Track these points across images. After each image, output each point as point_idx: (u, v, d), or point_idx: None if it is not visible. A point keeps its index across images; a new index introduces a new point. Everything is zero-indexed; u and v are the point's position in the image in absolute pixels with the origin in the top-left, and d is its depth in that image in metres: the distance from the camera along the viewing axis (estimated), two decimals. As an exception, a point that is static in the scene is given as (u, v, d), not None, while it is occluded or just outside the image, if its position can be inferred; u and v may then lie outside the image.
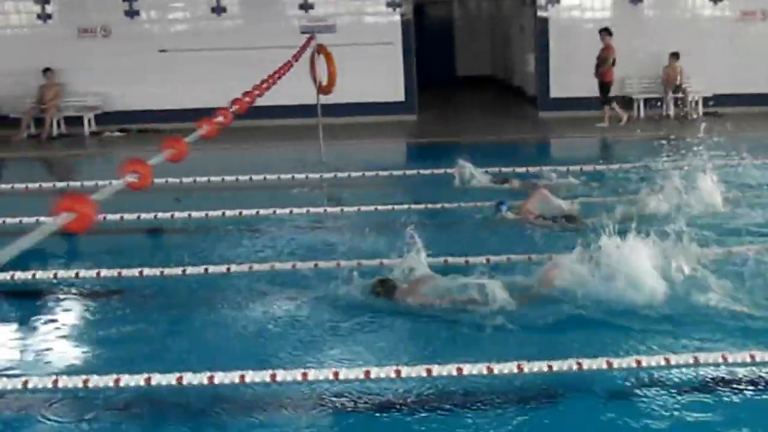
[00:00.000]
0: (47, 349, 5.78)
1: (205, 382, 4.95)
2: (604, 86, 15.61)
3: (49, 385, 5.02)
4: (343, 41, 14.90)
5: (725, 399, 4.86)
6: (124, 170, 4.05)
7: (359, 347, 5.57)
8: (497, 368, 5.09)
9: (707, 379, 5.07)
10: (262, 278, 6.89)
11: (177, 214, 9.19)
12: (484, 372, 5.07)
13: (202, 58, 16.65)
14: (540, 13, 16.98)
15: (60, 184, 11.56)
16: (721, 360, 5.20)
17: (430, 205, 9.29)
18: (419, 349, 5.52)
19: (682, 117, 16.17)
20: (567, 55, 16.47)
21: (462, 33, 24.36)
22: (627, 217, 8.13)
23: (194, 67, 16.64)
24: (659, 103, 16.48)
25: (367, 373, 5.04)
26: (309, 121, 14.31)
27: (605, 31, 15.56)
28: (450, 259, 7.16)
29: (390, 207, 9.31)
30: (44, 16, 17.09)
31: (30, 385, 5.03)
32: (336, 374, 5.02)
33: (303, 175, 11.21)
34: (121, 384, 4.94)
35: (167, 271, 7.10)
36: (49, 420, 4.70)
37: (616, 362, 5.17)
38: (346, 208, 9.31)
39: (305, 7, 17.02)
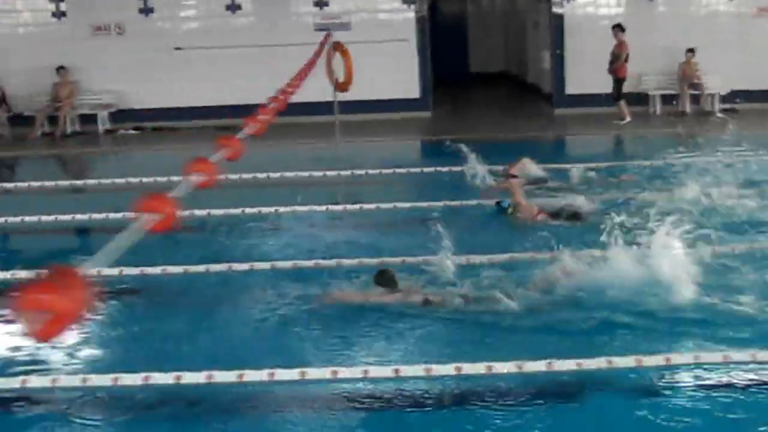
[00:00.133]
0: (78, 348, 5.78)
1: (234, 379, 4.93)
2: (619, 82, 15.54)
3: (78, 384, 5.02)
4: (358, 38, 14.91)
5: (756, 398, 4.83)
6: (190, 169, 4.00)
7: (389, 345, 5.55)
8: (527, 366, 5.06)
9: (737, 378, 5.03)
10: (286, 276, 6.87)
11: (197, 212, 9.16)
12: (514, 370, 5.05)
13: (217, 55, 16.64)
14: (555, 10, 16.90)
15: (77, 182, 11.59)
16: (749, 358, 5.16)
17: (449, 203, 9.25)
18: (448, 347, 5.48)
19: (698, 113, 16.08)
20: (582, 52, 16.38)
21: (475, 29, 24.29)
22: (648, 214, 8.13)
23: (209, 64, 16.64)
24: (674, 101, 16.39)
25: (397, 371, 5.01)
26: (323, 118, 14.30)
27: (618, 27, 15.49)
28: (472, 258, 7.12)
29: (409, 204, 9.29)
30: (58, 14, 17.09)
31: (59, 384, 5.03)
32: (365, 372, 5.00)
33: (320, 173, 11.19)
34: (150, 381, 4.94)
35: (191, 268, 7.10)
36: (80, 419, 4.69)
37: (646, 360, 5.15)
38: (365, 206, 9.27)
39: (320, 4, 16.97)
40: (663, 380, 5.03)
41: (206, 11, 17.19)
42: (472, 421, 4.66)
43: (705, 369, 5.12)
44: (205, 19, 17.22)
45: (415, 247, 7.33)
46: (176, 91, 16.72)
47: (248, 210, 9.15)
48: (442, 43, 20.93)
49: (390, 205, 9.24)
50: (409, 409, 4.82)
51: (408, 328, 5.76)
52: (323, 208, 9.24)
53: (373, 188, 10.58)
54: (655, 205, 8.35)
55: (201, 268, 7.11)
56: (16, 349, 5.63)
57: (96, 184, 11.27)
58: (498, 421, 4.63)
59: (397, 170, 11.30)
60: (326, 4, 16.98)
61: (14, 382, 5.10)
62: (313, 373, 5.02)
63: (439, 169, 11.22)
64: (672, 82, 16.49)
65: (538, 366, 5.06)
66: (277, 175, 11.05)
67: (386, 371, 5.04)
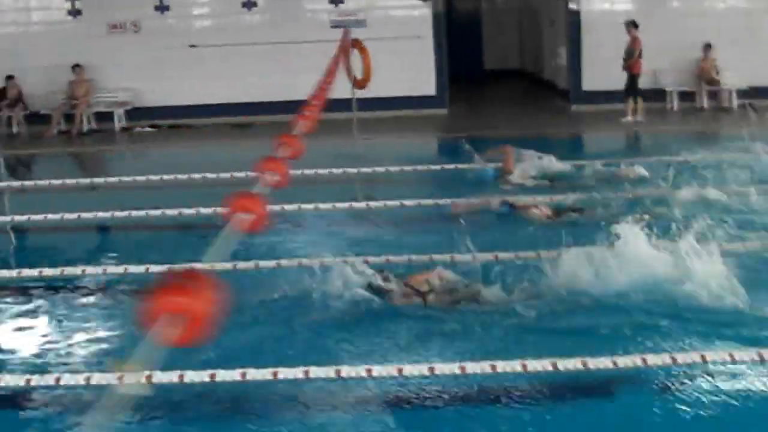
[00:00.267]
0: (106, 345, 5.78)
1: (269, 377, 4.91)
2: (634, 79, 15.45)
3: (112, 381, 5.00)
4: (374, 35, 14.85)
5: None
6: (263, 168, 3.96)
7: (420, 342, 5.52)
8: (561, 364, 5.03)
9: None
10: (312, 273, 6.83)
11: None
12: (549, 368, 5.02)
13: (232, 53, 16.65)
14: (571, 6, 16.83)
15: (98, 180, 11.61)
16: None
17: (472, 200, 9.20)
18: (482, 346, 5.45)
19: (716, 110, 16.00)
20: (599, 48, 16.30)
21: (489, 26, 24.20)
22: (668, 212, 8.11)
23: (224, 62, 16.64)
24: (694, 98, 16.30)
25: (432, 369, 4.99)
26: (341, 115, 14.25)
27: (631, 24, 15.40)
28: (500, 255, 7.09)
29: (432, 201, 9.26)
30: (74, 12, 17.12)
31: (92, 382, 5.02)
32: (400, 370, 4.98)
33: (340, 170, 11.16)
34: (185, 380, 4.93)
35: (218, 266, 7.06)
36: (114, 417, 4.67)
37: (680, 357, 5.12)
38: (388, 203, 9.23)
39: (335, 1, 16.95)
40: (697, 378, 5.00)
41: (222, 8, 17.18)
42: (508, 419, 4.65)
43: (738, 366, 5.08)
44: (221, 17, 17.21)
45: (441, 244, 7.33)
46: (192, 88, 16.72)
47: (270, 207, 9.10)
48: (457, 40, 20.86)
49: (414, 202, 9.21)
50: (443, 407, 4.80)
51: (438, 326, 5.74)
52: (346, 205, 9.21)
53: (394, 186, 10.53)
54: (682, 202, 8.40)
55: (228, 265, 7.08)
56: (51, 348, 5.65)
57: (116, 182, 11.27)
58: (531, 418, 4.63)
59: (418, 167, 11.27)
60: (341, 1, 16.96)
61: (49, 379, 5.08)
62: (348, 371, 4.99)
63: (459, 166, 11.19)
64: (690, 79, 16.39)
65: (573, 363, 5.03)
66: (298, 172, 10.99)
67: (422, 369, 5.01)
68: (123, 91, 16.98)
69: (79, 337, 5.96)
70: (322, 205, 9.12)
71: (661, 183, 9.51)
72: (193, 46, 16.76)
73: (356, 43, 12.62)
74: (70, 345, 5.82)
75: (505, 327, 5.71)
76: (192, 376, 4.90)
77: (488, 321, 5.75)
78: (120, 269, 7.18)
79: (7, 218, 9.50)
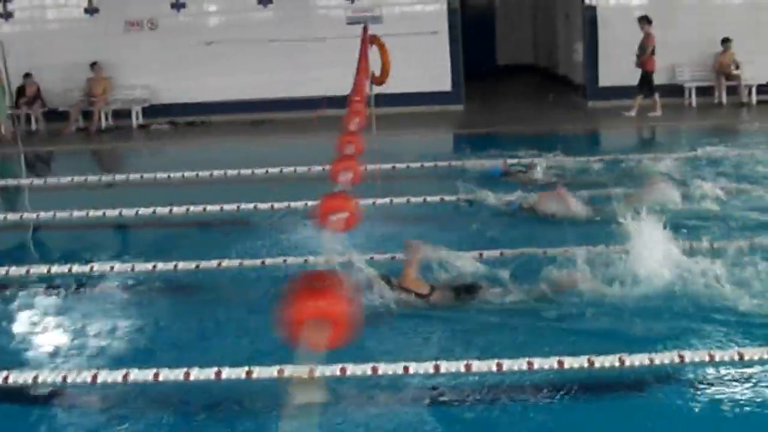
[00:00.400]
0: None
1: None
2: (647, 75, 15.38)
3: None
4: (389, 31, 14.83)
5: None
6: (337, 167, 3.93)
7: (456, 340, 5.54)
8: (598, 361, 5.04)
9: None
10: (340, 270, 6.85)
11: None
12: (585, 365, 5.03)
13: (249, 49, 16.66)
14: (587, 1, 16.77)
15: (120, 176, 11.67)
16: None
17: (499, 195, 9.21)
18: (517, 342, 5.46)
19: (735, 105, 15.94)
20: (615, 43, 16.23)
21: (503, 21, 24.16)
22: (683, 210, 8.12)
23: (241, 58, 16.66)
24: (712, 93, 16.24)
25: (468, 366, 5.00)
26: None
27: (644, 19, 15.31)
28: (526, 250, 7.10)
29: (455, 197, 9.26)
30: (91, 10, 17.17)
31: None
32: (437, 368, 4.99)
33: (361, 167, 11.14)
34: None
35: (245, 262, 7.11)
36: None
37: (718, 354, 5.12)
38: (412, 199, 9.24)
39: (351, -3, 16.95)
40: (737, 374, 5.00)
41: (238, 5, 17.19)
42: (542, 415, 4.68)
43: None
44: (237, 13, 17.22)
45: (464, 240, 7.35)
46: (208, 85, 16.78)
47: (293, 204, 9.14)
48: (470, 35, 20.83)
49: (436, 198, 9.22)
50: (477, 404, 4.81)
51: (477, 322, 5.76)
52: (369, 201, 9.21)
53: (414, 181, 10.53)
54: (701, 199, 8.41)
55: (257, 261, 7.12)
56: (62, 345, 5.69)
57: (138, 179, 11.30)
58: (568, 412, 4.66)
59: (439, 163, 11.27)
60: (357, -3, 16.95)
61: (86, 376, 5.11)
62: (385, 368, 5.01)
63: (479, 162, 11.18)
64: (708, 74, 16.32)
65: (609, 361, 5.04)
66: (319, 168, 11.02)
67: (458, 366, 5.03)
68: (140, 89, 17.04)
69: (111, 332, 5.99)
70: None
71: (677, 179, 9.51)
72: (209, 43, 16.79)
73: (374, 39, 12.61)
74: (101, 341, 5.85)
75: (517, 325, 5.73)
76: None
77: (499, 321, 5.78)
78: (149, 266, 7.20)
79: (33, 215, 9.56)
